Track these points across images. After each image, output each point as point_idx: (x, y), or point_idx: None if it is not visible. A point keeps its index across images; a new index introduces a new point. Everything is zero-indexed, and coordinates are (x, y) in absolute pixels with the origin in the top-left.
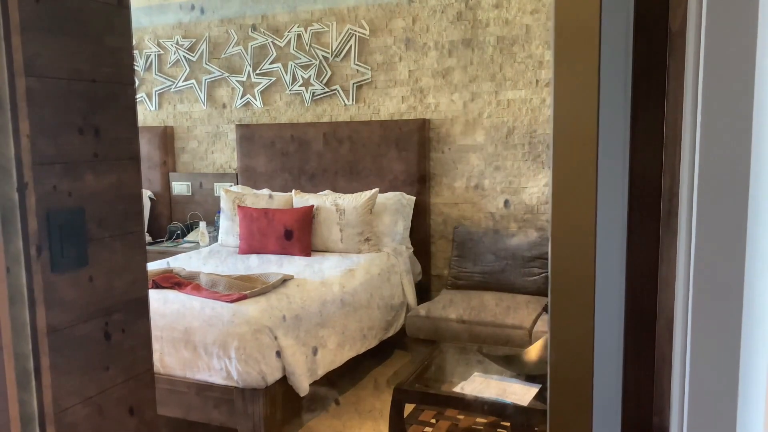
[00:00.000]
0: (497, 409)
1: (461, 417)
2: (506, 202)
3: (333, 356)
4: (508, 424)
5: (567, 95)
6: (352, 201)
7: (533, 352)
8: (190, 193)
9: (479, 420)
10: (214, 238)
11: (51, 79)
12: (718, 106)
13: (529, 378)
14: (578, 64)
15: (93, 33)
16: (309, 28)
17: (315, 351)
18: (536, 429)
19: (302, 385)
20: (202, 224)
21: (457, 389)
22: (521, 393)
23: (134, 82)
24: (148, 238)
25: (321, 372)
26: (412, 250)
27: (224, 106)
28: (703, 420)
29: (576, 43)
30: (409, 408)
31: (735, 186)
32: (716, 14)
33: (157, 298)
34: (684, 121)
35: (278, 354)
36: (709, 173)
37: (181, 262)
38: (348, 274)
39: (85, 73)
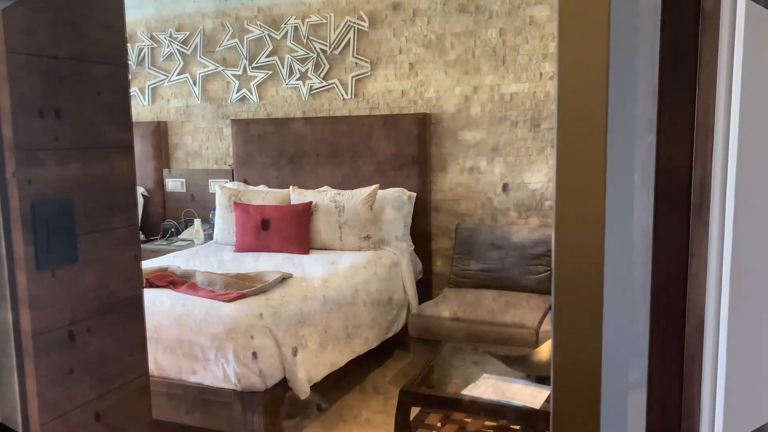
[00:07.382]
0: (507, 413)
1: (468, 420)
2: (503, 190)
3: (335, 357)
4: (518, 427)
5: (572, 70)
6: (352, 197)
7: (543, 352)
8: (184, 190)
9: (488, 423)
10: (209, 236)
11: (34, 57)
12: (756, 90)
13: (540, 380)
14: (585, 35)
15: (81, 11)
16: (306, 20)
17: (317, 352)
18: None
19: (303, 387)
20: (197, 222)
21: (465, 392)
22: (532, 395)
23: (126, 64)
24: (140, 236)
25: (323, 373)
26: (413, 247)
27: (219, 100)
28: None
29: (582, 13)
30: (413, 411)
31: None
32: None
33: (151, 298)
34: (717, 108)
35: (279, 355)
36: (746, 163)
37: (176, 260)
38: (348, 272)
39: (72, 53)
